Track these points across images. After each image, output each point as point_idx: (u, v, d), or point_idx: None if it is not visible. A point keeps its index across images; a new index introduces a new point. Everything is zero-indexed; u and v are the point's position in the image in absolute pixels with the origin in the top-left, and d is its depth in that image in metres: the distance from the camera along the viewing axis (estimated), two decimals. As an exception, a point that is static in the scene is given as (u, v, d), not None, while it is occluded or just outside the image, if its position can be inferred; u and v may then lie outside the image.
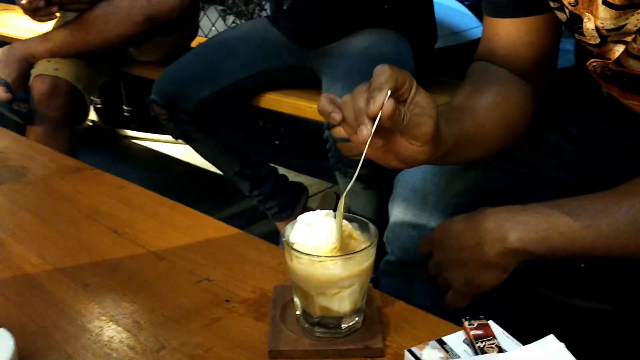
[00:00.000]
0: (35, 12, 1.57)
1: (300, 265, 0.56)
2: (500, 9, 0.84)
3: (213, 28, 2.85)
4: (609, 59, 0.77)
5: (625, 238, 0.63)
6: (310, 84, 1.52)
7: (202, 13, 2.85)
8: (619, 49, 0.75)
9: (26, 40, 1.68)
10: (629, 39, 0.72)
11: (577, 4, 0.74)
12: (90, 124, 2.88)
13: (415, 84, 0.63)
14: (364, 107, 0.58)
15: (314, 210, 0.61)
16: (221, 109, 1.53)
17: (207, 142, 1.56)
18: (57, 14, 1.63)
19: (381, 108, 0.56)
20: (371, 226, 0.59)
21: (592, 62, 0.86)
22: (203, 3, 3.12)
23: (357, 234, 0.59)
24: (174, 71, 1.50)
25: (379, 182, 1.30)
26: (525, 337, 0.55)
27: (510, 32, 0.84)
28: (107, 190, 0.94)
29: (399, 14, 1.45)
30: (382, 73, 0.60)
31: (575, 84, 0.94)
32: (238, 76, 1.50)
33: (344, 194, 0.57)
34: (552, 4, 0.81)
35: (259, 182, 1.67)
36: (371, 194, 1.32)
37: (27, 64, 1.63)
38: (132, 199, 0.91)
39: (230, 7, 2.87)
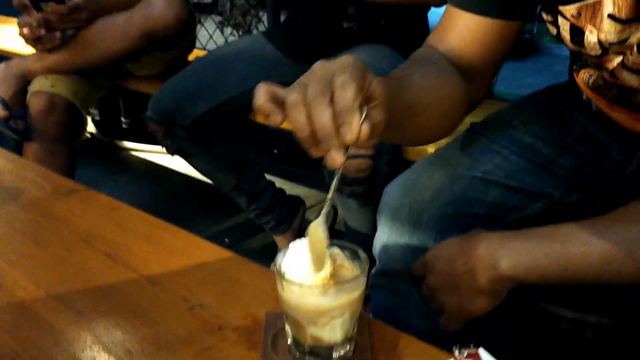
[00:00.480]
0: (38, 41, 1.57)
1: (290, 295, 0.56)
2: (467, 2, 0.82)
3: (211, 40, 2.86)
4: (606, 69, 0.77)
5: (616, 266, 0.63)
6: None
7: (199, 25, 2.87)
8: (618, 60, 0.75)
9: (23, 57, 1.69)
10: (628, 50, 0.72)
11: (579, 16, 0.74)
12: (89, 136, 2.89)
13: (369, 74, 0.58)
14: (331, 129, 0.52)
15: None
16: (218, 124, 1.53)
17: (204, 157, 1.57)
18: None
19: (358, 135, 0.53)
20: (361, 254, 0.60)
21: (586, 72, 0.86)
22: (200, 14, 3.15)
23: (347, 262, 0.59)
24: (170, 88, 1.51)
25: (375, 199, 1.30)
26: (522, 356, 0.55)
27: (469, 27, 0.82)
28: (101, 212, 0.94)
29: (394, 29, 1.45)
30: (348, 87, 0.53)
31: (569, 98, 0.95)
32: (234, 91, 1.51)
33: (317, 222, 0.56)
34: (546, 17, 0.81)
35: (256, 196, 1.67)
36: (367, 210, 1.32)
37: (24, 81, 1.64)
38: (126, 221, 0.91)
39: (227, 19, 2.89)
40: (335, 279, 0.57)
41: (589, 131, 0.91)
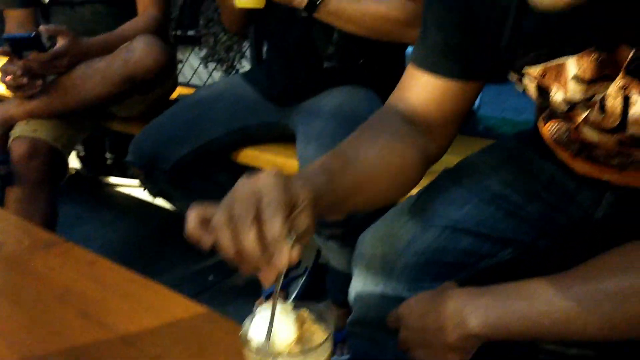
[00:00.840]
0: (20, 89, 1.59)
1: None
2: (426, 62, 0.84)
3: (195, 75, 2.90)
4: (574, 122, 0.80)
5: (580, 323, 0.65)
6: (287, 139, 1.54)
7: (184, 59, 2.91)
8: (585, 114, 0.77)
9: (5, 102, 1.70)
10: (593, 107, 0.75)
11: (544, 76, 0.76)
12: (73, 172, 2.89)
13: (294, 189, 0.60)
14: (257, 252, 0.55)
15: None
16: (199, 166, 1.55)
17: (185, 199, 1.58)
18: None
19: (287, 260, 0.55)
20: (328, 317, 0.61)
21: (554, 124, 0.88)
22: (184, 47, 3.18)
23: (314, 325, 0.60)
24: (150, 132, 1.53)
25: (354, 240, 1.31)
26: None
27: (428, 87, 0.84)
28: (78, 267, 0.95)
29: (372, 70, 1.48)
30: (275, 218, 0.55)
31: (536, 144, 0.97)
32: (215, 134, 1.53)
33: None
34: (511, 77, 0.83)
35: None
36: (348, 251, 1.34)
37: (6, 126, 1.65)
38: (103, 276, 0.91)
39: (211, 54, 2.93)
40: (302, 343, 0.58)
41: (556, 178, 0.93)
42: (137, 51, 1.57)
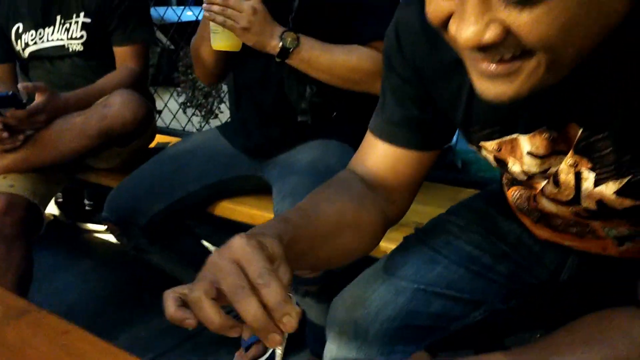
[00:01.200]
0: (0, 142, 1.60)
1: None
2: (384, 132, 0.86)
3: (174, 120, 2.92)
4: (535, 189, 0.82)
5: None
6: (264, 191, 1.56)
7: (162, 105, 2.93)
8: (544, 183, 0.80)
9: (-19, 157, 1.70)
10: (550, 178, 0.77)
11: (500, 150, 0.78)
12: (51, 218, 2.87)
13: (269, 245, 0.61)
14: (264, 318, 0.55)
15: None
16: (175, 220, 1.55)
17: (162, 254, 1.58)
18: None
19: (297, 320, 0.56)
20: None
21: (516, 190, 0.91)
22: (163, 90, 3.20)
23: None
24: (126, 188, 1.53)
25: (330, 296, 1.32)
26: None
27: (386, 155, 0.86)
28: (52, 336, 0.94)
29: (345, 124, 1.51)
30: (273, 284, 0.56)
31: (503, 205, 0.99)
32: (191, 188, 1.54)
33: None
34: (470, 147, 0.86)
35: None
36: (325, 306, 1.35)
37: (-18, 181, 1.65)
38: (76, 347, 0.90)
39: (190, 99, 2.95)
40: None
41: (523, 240, 0.96)
42: (115, 105, 1.58)
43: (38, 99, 1.59)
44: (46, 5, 1.85)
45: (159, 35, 4.30)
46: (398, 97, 0.84)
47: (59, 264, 2.45)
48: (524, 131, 0.73)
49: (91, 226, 2.79)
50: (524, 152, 0.75)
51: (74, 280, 2.34)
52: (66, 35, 1.84)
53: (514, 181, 0.87)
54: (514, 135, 0.74)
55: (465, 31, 0.52)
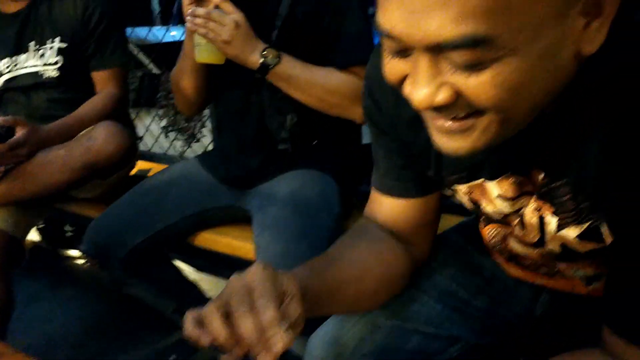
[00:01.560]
0: None
1: None
2: (383, 187, 0.90)
3: (155, 143, 2.91)
4: (511, 226, 0.84)
5: None
6: (245, 221, 1.56)
7: (144, 129, 2.92)
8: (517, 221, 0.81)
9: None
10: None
11: (471, 193, 0.81)
12: (32, 245, 2.84)
13: (281, 280, 0.67)
14: (254, 338, 0.60)
15: None
16: (155, 252, 1.55)
17: (141, 286, 1.58)
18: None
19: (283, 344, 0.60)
20: None
21: (492, 229, 0.93)
22: (145, 112, 3.20)
23: None
24: (105, 221, 1.53)
25: (310, 328, 1.33)
26: None
27: (393, 207, 0.90)
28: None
29: (326, 152, 1.52)
30: (268, 308, 0.62)
31: (478, 239, 1.01)
32: (171, 220, 1.54)
33: None
34: (444, 192, 0.88)
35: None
36: (304, 339, 1.35)
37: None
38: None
39: (171, 123, 2.96)
40: None
41: (497, 274, 0.97)
42: (99, 138, 1.58)
43: (19, 132, 1.59)
44: (19, 31, 1.84)
45: (141, 57, 4.31)
46: (385, 151, 0.87)
47: (40, 292, 2.42)
48: (490, 177, 0.75)
49: (73, 253, 2.77)
50: (493, 195, 0.77)
51: (55, 309, 2.31)
52: (41, 61, 1.83)
53: (491, 219, 0.89)
54: (480, 181, 0.77)
55: (418, 93, 0.55)
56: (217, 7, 1.30)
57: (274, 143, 1.50)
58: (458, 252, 1.01)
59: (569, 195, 0.69)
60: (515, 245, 0.84)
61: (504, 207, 0.78)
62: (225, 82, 1.51)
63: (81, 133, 1.67)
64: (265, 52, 1.32)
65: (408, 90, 0.58)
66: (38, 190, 1.62)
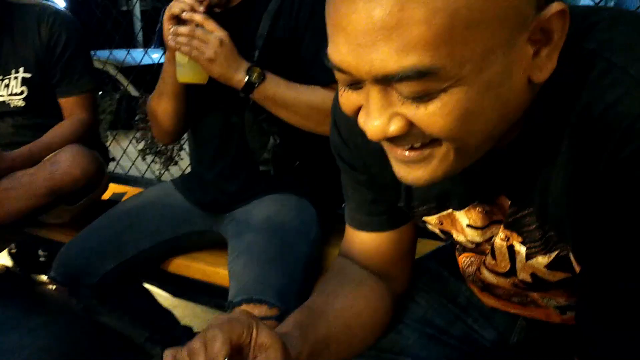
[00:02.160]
0: None
1: None
2: (355, 222, 0.89)
3: (133, 166, 2.87)
4: (486, 254, 0.82)
5: None
6: (219, 246, 1.53)
7: (121, 152, 2.89)
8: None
9: None
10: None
11: (442, 224, 0.80)
12: (3, 269, 2.77)
13: (255, 325, 0.67)
14: None
15: None
16: (127, 279, 1.51)
17: (112, 313, 1.53)
18: None
19: None
20: None
21: (467, 257, 0.91)
22: (115, 130, 3.17)
23: None
24: (76, 246, 1.49)
25: None
26: None
27: (366, 242, 0.89)
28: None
29: (306, 175, 1.50)
30: (215, 340, 0.64)
31: (454, 266, 0.99)
32: (144, 245, 1.49)
33: None
34: (418, 223, 0.86)
35: (172, 344, 1.62)
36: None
37: None
38: None
39: (149, 146, 2.92)
40: None
41: (473, 301, 0.96)
42: (64, 163, 1.54)
43: (-18, 160, 1.55)
44: None
45: (120, 78, 4.28)
46: (353, 185, 0.86)
47: (9, 319, 2.35)
48: (458, 207, 0.75)
49: (45, 278, 2.70)
50: (463, 225, 0.76)
51: (23, 339, 2.23)
52: (6, 91, 1.79)
53: (465, 248, 0.88)
54: (450, 211, 0.76)
55: (371, 125, 0.56)
56: (198, 25, 1.27)
57: (254, 166, 1.48)
58: (434, 279, 1.00)
59: (536, 224, 0.68)
60: (487, 275, 0.83)
61: (474, 236, 0.77)
62: (204, 106, 1.49)
63: (46, 158, 1.63)
64: (249, 71, 1.30)
65: (362, 121, 0.58)
66: (3, 216, 1.57)
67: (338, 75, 0.58)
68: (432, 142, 0.57)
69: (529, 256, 0.72)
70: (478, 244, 0.79)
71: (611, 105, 0.55)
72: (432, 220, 0.80)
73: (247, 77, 1.29)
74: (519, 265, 0.74)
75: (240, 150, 1.47)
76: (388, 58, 0.51)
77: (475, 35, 0.50)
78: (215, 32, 1.26)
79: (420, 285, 0.98)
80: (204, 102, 1.47)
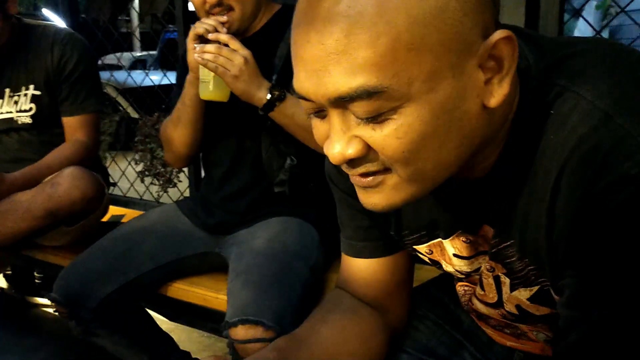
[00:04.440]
0: None
1: None
2: (352, 250, 0.89)
3: (132, 188, 2.86)
4: (476, 284, 0.82)
5: None
6: (220, 269, 1.52)
7: (119, 173, 2.88)
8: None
9: None
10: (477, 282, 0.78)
11: (432, 253, 0.81)
12: (-2, 291, 2.74)
13: None
14: None
15: None
16: (127, 303, 1.49)
17: (112, 337, 1.51)
18: None
19: None
20: None
21: (462, 286, 0.91)
22: (114, 152, 3.16)
23: None
24: (76, 268, 1.47)
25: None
26: None
27: (363, 271, 0.89)
28: None
29: (311, 202, 1.50)
30: None
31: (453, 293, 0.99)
32: (145, 268, 1.48)
33: None
34: (409, 251, 0.86)
35: (170, 369, 1.60)
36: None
37: None
38: None
39: (148, 168, 2.91)
40: None
41: (474, 329, 0.95)
42: (63, 184, 1.54)
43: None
44: None
45: (120, 100, 4.30)
46: (348, 212, 0.87)
47: (4, 340, 2.32)
48: (444, 236, 0.75)
49: (40, 300, 2.67)
50: (450, 254, 0.77)
51: (19, 359, 2.21)
52: (15, 107, 1.81)
53: (458, 278, 0.87)
54: (439, 240, 0.77)
55: (332, 148, 0.59)
56: (221, 43, 1.31)
57: (263, 188, 1.49)
58: (435, 305, 0.99)
59: (516, 256, 0.68)
60: (479, 305, 0.83)
61: (462, 265, 0.78)
62: (218, 130, 1.51)
63: (46, 179, 1.62)
64: (271, 89, 1.33)
65: (325, 147, 0.61)
66: (0, 238, 1.56)
67: (303, 104, 0.61)
68: (385, 169, 0.59)
69: (512, 287, 0.72)
70: (467, 274, 0.79)
71: (583, 140, 0.56)
72: (422, 250, 0.80)
73: (269, 95, 1.32)
74: (504, 296, 0.75)
75: (252, 173, 1.49)
76: (339, 80, 0.55)
77: (419, 57, 0.53)
78: (240, 51, 1.30)
79: (422, 312, 0.97)
80: (218, 126, 1.49)
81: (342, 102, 0.56)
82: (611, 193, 0.54)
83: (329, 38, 0.54)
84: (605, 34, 5.91)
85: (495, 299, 0.77)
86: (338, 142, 0.58)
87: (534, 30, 0.59)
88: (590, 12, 6.05)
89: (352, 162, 0.60)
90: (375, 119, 0.56)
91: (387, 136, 0.56)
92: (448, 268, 0.80)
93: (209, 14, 1.38)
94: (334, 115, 0.58)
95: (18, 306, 2.69)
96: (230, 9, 1.38)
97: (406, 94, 0.54)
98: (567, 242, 0.59)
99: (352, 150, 0.58)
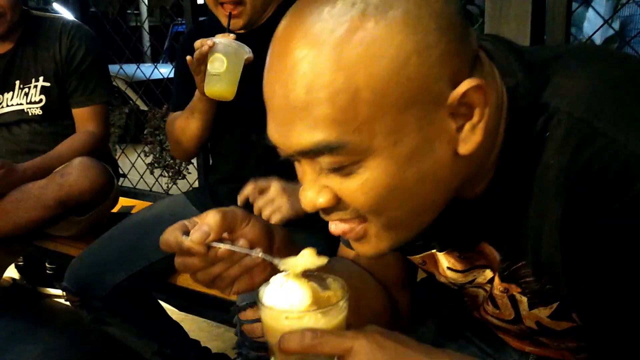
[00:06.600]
0: None
1: (278, 326, 0.58)
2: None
3: (141, 180, 2.87)
4: (476, 296, 0.82)
5: None
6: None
7: (129, 165, 2.89)
8: (477, 293, 0.80)
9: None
10: (487, 286, 0.77)
11: (425, 263, 0.81)
12: (11, 281, 2.77)
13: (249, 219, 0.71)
14: None
15: None
16: (138, 291, 1.51)
17: (122, 325, 1.52)
18: None
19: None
20: (340, 281, 0.63)
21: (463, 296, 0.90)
22: (124, 144, 3.17)
23: (327, 292, 0.62)
24: (87, 257, 1.49)
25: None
26: None
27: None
28: None
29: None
30: (210, 217, 0.69)
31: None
32: (154, 257, 1.49)
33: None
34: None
35: (179, 358, 1.62)
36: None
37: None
38: None
39: (157, 160, 2.93)
40: (317, 305, 0.60)
41: (484, 327, 0.94)
42: (73, 174, 1.56)
43: (-4, 171, 1.56)
44: (5, 71, 1.86)
45: (129, 93, 4.31)
46: None
47: (17, 331, 2.35)
48: (439, 249, 0.76)
49: (52, 291, 2.70)
50: (444, 266, 0.77)
51: (31, 350, 2.23)
52: (25, 99, 1.83)
53: (452, 289, 0.87)
54: (433, 251, 0.77)
55: (304, 196, 0.60)
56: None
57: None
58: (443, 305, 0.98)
59: (532, 277, 0.68)
60: (494, 321, 0.82)
61: (455, 278, 0.77)
62: (225, 123, 1.51)
63: (56, 170, 1.64)
64: None
65: (299, 192, 0.61)
66: (11, 228, 1.59)
67: (278, 150, 0.61)
68: (360, 217, 0.60)
69: (531, 306, 0.72)
70: (461, 287, 0.79)
71: (592, 163, 0.55)
72: (415, 260, 0.81)
73: None
74: (523, 313, 0.74)
75: (258, 166, 1.48)
76: (301, 134, 0.56)
77: (381, 112, 0.53)
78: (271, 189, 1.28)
79: (429, 309, 0.97)
80: (225, 119, 1.49)
81: (306, 154, 0.58)
82: (627, 212, 0.53)
83: (292, 93, 0.55)
84: (615, 25, 5.86)
85: (512, 316, 0.76)
86: (309, 190, 0.60)
87: (525, 45, 0.59)
88: (601, 3, 5.99)
89: (325, 210, 0.61)
90: (341, 170, 0.57)
91: (354, 190, 0.57)
92: (441, 279, 0.80)
93: (219, 5, 1.35)
94: (305, 164, 0.60)
95: (30, 297, 2.71)
96: (240, 2, 1.35)
97: (369, 148, 0.55)
98: (586, 261, 0.59)
99: (323, 199, 0.59)
